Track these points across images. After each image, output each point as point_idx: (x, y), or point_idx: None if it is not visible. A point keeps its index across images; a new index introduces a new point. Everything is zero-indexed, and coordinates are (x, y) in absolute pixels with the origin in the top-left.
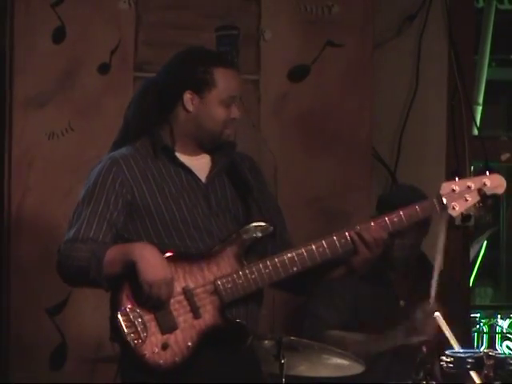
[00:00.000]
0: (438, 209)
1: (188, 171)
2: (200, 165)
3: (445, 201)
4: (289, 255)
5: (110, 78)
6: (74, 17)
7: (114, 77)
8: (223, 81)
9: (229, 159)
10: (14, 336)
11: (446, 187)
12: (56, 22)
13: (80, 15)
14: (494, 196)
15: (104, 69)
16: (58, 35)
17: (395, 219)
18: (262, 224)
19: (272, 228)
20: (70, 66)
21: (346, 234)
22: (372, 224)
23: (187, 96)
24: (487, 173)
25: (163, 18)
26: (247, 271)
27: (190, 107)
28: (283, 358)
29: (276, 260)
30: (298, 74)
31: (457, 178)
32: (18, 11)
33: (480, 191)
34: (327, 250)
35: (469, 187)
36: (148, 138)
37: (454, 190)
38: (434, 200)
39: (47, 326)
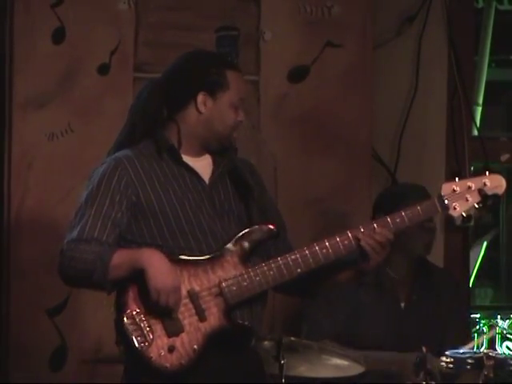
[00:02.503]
0: (439, 209)
1: (192, 172)
2: (202, 166)
3: (446, 201)
4: (292, 257)
5: (109, 78)
6: (73, 17)
7: (113, 77)
8: (235, 83)
9: (231, 163)
10: (14, 337)
11: (446, 188)
12: (56, 22)
13: (80, 16)
14: (495, 196)
15: (104, 69)
16: (58, 36)
17: (397, 220)
18: (266, 226)
19: (275, 230)
20: (70, 67)
21: (349, 234)
22: (375, 225)
23: (200, 97)
24: (487, 173)
25: (163, 19)
26: (252, 273)
27: (202, 109)
28: (283, 359)
29: (280, 262)
30: (297, 74)
31: (457, 179)
32: (18, 12)
33: (480, 191)
34: (330, 252)
35: (469, 187)
36: (151, 140)
37: (454, 191)
38: (436, 200)
39: (47, 327)
